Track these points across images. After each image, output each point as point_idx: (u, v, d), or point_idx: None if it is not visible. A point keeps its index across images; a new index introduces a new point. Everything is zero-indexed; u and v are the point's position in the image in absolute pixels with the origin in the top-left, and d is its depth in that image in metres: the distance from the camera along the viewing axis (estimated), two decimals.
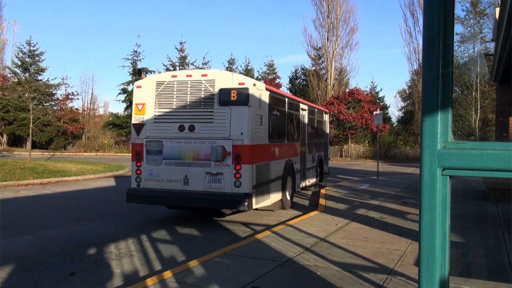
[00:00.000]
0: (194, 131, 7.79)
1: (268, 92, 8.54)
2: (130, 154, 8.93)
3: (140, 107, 8.17)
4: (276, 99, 9.16)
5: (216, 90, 7.67)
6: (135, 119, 8.19)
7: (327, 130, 15.33)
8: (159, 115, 8.04)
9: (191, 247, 6.38)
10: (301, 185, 11.23)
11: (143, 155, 8.04)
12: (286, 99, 10.11)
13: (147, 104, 8.09)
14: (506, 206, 9.09)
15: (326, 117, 15.03)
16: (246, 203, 7.41)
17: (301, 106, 11.38)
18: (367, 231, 7.04)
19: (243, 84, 7.62)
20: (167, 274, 4.69)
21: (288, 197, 9.76)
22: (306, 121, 11.77)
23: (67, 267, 5.39)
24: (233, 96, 7.57)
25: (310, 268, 5.00)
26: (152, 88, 8.06)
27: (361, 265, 5.13)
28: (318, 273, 4.83)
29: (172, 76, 8.10)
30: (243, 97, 7.54)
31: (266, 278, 4.64)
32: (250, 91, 7.59)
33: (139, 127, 8.13)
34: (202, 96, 7.78)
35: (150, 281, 4.49)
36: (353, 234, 6.77)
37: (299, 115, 11.08)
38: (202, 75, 7.91)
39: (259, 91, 8.04)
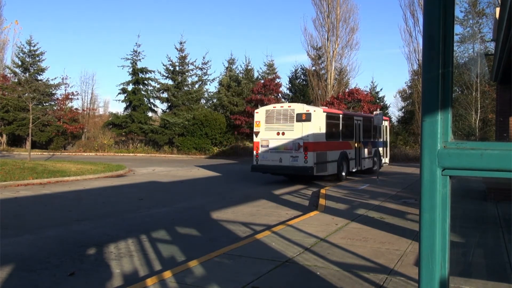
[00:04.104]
0: (284, 135, 14.56)
1: (325, 113, 15.11)
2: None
3: (257, 122, 15.23)
4: (331, 116, 15.60)
5: (295, 114, 14.45)
6: (255, 129, 15.29)
7: (385, 132, 20.95)
8: (267, 127, 15.00)
9: (191, 247, 6.38)
10: (355, 169, 17.00)
11: (259, 147, 15.06)
12: (341, 115, 16.40)
13: (261, 121, 15.13)
14: (506, 206, 9.08)
15: (385, 123, 20.61)
16: (310, 171, 14.01)
17: (355, 117, 17.57)
18: (367, 231, 7.04)
19: (308, 111, 14.39)
20: (167, 274, 4.69)
21: (343, 174, 15.85)
22: (361, 127, 17.69)
23: (67, 267, 5.39)
24: (303, 117, 14.26)
25: (310, 268, 5.00)
26: (263, 113, 15.17)
27: (361, 265, 5.13)
28: (318, 273, 4.83)
29: (273, 107, 15.20)
30: (308, 117, 14.24)
31: (266, 278, 4.64)
32: (312, 114, 14.29)
33: (257, 133, 15.21)
34: (288, 117, 14.57)
35: (150, 281, 4.49)
36: (353, 234, 6.77)
37: (353, 123, 17.21)
38: (288, 106, 14.94)
39: (318, 113, 14.63)
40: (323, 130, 14.74)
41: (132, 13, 77.06)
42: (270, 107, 15.36)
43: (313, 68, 38.49)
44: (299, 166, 14.09)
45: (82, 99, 55.37)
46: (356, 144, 17.09)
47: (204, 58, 46.58)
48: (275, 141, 14.62)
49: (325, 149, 14.77)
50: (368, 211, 8.93)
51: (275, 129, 14.73)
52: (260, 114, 15.23)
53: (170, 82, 38.70)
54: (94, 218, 8.54)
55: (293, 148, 14.21)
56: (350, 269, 4.94)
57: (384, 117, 20.83)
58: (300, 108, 14.57)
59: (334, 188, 13.05)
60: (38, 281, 4.91)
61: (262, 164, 14.95)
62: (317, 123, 14.43)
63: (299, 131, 14.21)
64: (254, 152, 15.13)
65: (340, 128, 16.13)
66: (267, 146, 14.79)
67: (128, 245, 6.48)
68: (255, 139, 15.15)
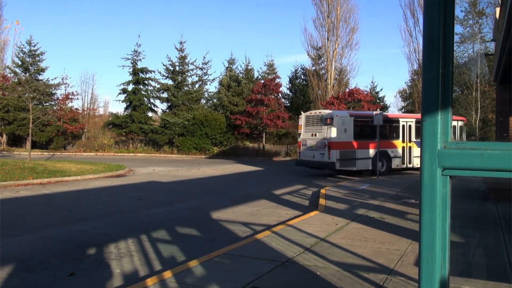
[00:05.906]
0: (316, 136, 17.78)
1: (352, 117, 17.85)
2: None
3: (300, 125, 18.79)
4: (361, 119, 18.34)
5: (323, 118, 17.48)
6: (298, 131, 19.08)
7: (462, 132, 21.56)
8: (305, 129, 18.48)
9: (191, 247, 6.38)
10: (403, 165, 19.09)
11: (300, 146, 18.67)
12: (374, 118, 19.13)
13: (302, 124, 18.63)
14: (506, 206, 9.08)
15: (459, 123, 21.54)
16: (331, 166, 17.02)
17: (402, 119, 19.55)
18: (367, 231, 7.04)
19: (331, 115, 17.33)
20: (167, 274, 4.69)
21: (380, 170, 17.37)
22: (412, 128, 19.45)
23: (67, 267, 5.39)
24: (328, 121, 17.25)
25: (310, 268, 5.00)
26: (304, 118, 18.68)
27: (361, 265, 5.13)
28: (318, 273, 4.83)
29: (310, 113, 18.86)
30: (332, 121, 17.15)
31: (266, 278, 4.64)
32: (335, 118, 17.18)
33: (299, 134, 18.87)
34: (319, 121, 17.78)
35: (150, 281, 4.50)
36: (353, 234, 6.77)
37: (398, 125, 19.23)
38: (319, 112, 18.32)
39: (341, 117, 17.47)
40: (350, 131, 17.47)
41: (132, 13, 77.11)
42: (308, 113, 19.20)
43: (313, 68, 38.50)
44: (324, 161, 17.24)
45: (82, 99, 55.45)
46: (403, 144, 19.27)
47: (204, 58, 46.45)
48: (310, 141, 18.05)
49: (352, 147, 17.42)
50: (368, 211, 8.93)
51: (311, 131, 18.16)
52: (301, 118, 18.92)
53: (170, 82, 38.65)
54: (94, 218, 8.54)
55: (321, 146, 17.38)
56: (350, 269, 4.94)
57: (459, 117, 22.05)
58: (327, 113, 17.88)
59: (334, 188, 13.05)
60: (38, 281, 4.91)
61: (302, 160, 18.54)
62: (342, 126, 17.26)
63: (325, 132, 17.32)
64: (298, 150, 19.31)
65: (377, 129, 18.33)
66: (306, 145, 18.27)
67: (128, 245, 6.48)
68: (298, 139, 19.14)
